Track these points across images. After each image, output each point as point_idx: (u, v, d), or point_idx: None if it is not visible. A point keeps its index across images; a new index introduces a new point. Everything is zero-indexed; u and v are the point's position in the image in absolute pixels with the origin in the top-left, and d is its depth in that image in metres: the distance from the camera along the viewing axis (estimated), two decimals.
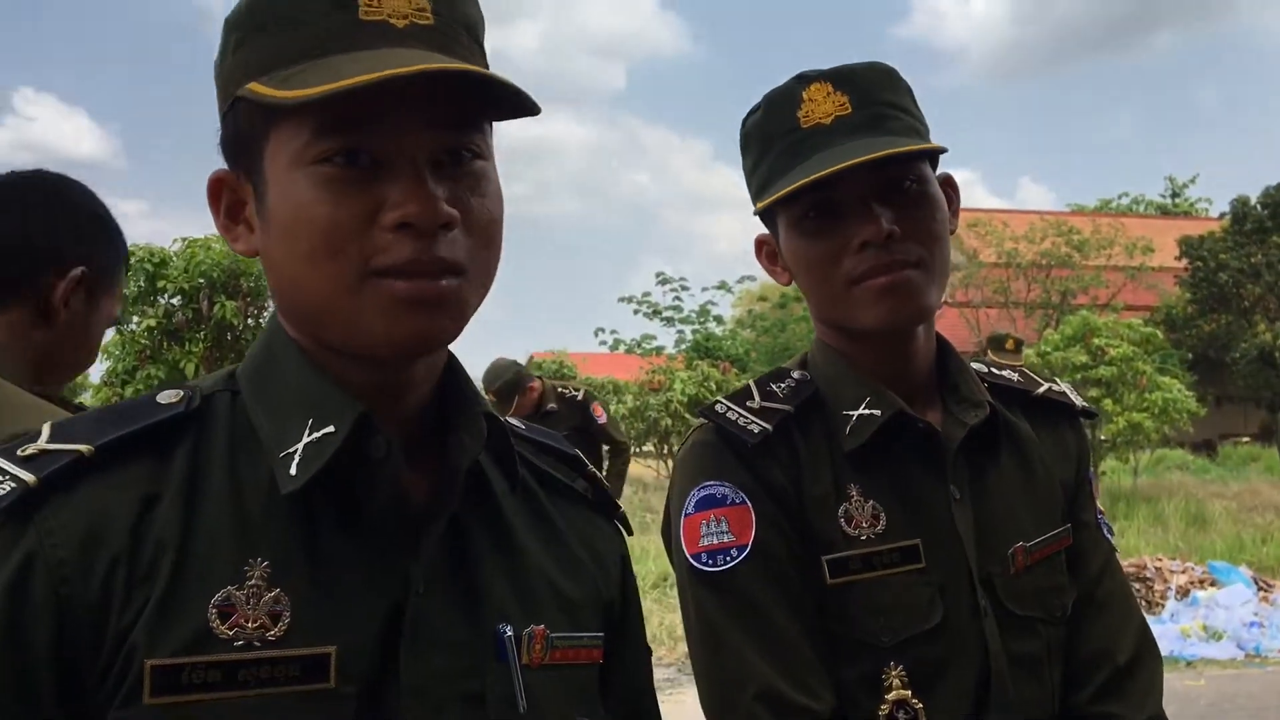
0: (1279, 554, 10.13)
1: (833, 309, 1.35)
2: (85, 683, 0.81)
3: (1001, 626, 1.33)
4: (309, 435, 0.89)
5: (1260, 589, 8.18)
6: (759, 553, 1.29)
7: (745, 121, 1.39)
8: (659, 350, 29.78)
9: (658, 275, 37.23)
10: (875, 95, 1.31)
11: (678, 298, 33.95)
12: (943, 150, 1.33)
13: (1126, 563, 7.97)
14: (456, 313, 0.89)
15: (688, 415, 14.69)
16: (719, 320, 32.55)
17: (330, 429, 0.88)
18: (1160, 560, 8.71)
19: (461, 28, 0.91)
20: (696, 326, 31.34)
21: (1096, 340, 14.04)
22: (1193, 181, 45.89)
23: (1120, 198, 45.42)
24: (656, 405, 15.58)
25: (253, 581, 0.84)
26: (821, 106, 1.30)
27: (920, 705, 1.28)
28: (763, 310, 26.36)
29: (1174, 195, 45.57)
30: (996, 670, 1.31)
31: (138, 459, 0.87)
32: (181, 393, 0.92)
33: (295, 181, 0.86)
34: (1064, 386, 1.52)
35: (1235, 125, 75.30)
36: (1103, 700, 1.38)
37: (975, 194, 73.43)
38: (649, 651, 1.15)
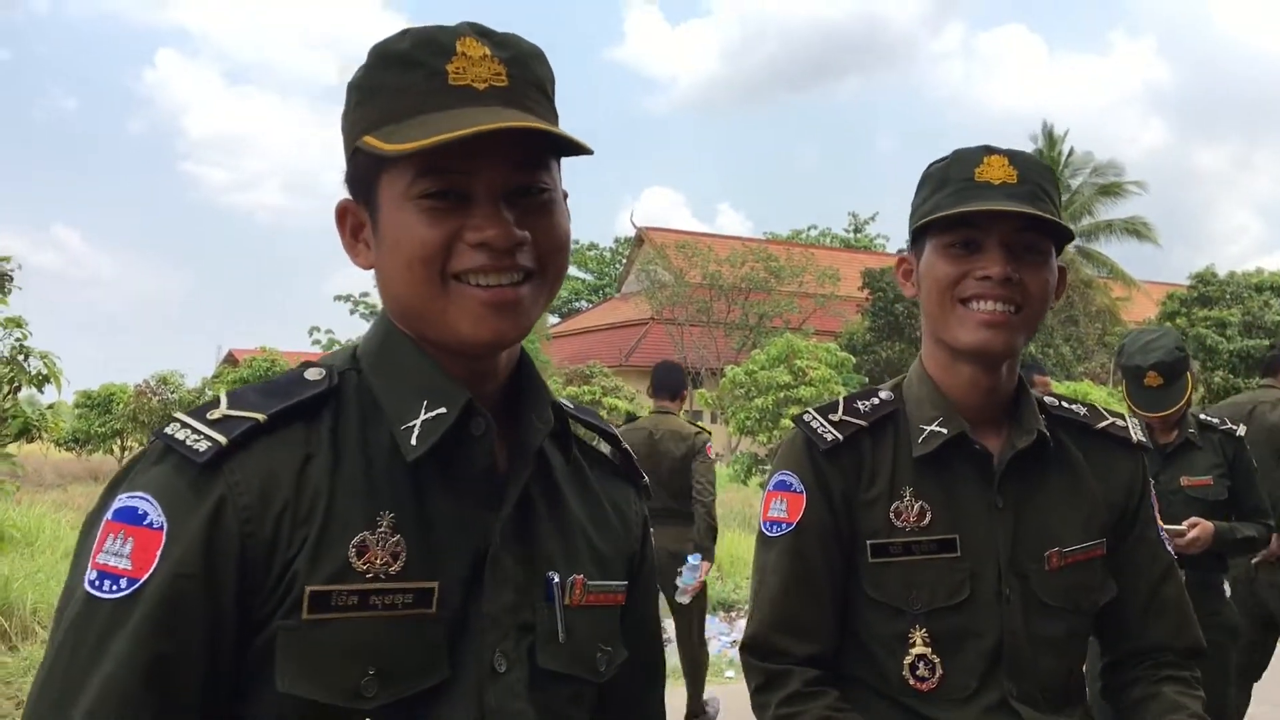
0: None
1: (941, 323, 1.63)
2: (256, 601, 1.01)
3: (1031, 612, 1.62)
4: (425, 413, 1.08)
5: None
6: (797, 534, 1.64)
7: (930, 166, 1.68)
8: None
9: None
10: (1038, 179, 1.61)
11: None
12: (1071, 238, 1.64)
13: None
14: (526, 314, 1.09)
15: None
16: None
17: (443, 410, 1.08)
18: None
19: (532, 86, 1.09)
20: None
21: (799, 362, 15.25)
22: (873, 218, 49.84)
23: (809, 229, 48.62)
24: None
25: (382, 528, 1.05)
26: (996, 171, 1.60)
27: (938, 660, 1.59)
28: None
29: (856, 230, 49.24)
30: (1010, 644, 1.60)
31: (295, 425, 1.06)
32: (323, 371, 1.12)
33: (403, 210, 1.06)
34: (1127, 423, 1.79)
35: (910, 168, 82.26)
36: (1166, 668, 1.70)
37: (680, 216, 76.58)
38: (657, 593, 1.41)
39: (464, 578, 1.08)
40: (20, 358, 8.17)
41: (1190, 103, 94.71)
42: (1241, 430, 3.89)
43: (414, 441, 1.07)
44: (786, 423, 14.14)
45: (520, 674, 1.10)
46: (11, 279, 8.56)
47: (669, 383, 6.10)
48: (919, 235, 1.67)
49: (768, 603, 1.65)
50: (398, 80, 1.06)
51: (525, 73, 1.08)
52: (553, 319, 40.31)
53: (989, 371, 1.65)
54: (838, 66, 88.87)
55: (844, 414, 1.70)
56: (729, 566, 9.76)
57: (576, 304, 45.73)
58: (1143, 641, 1.71)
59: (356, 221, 1.13)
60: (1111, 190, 32.22)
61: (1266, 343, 23.53)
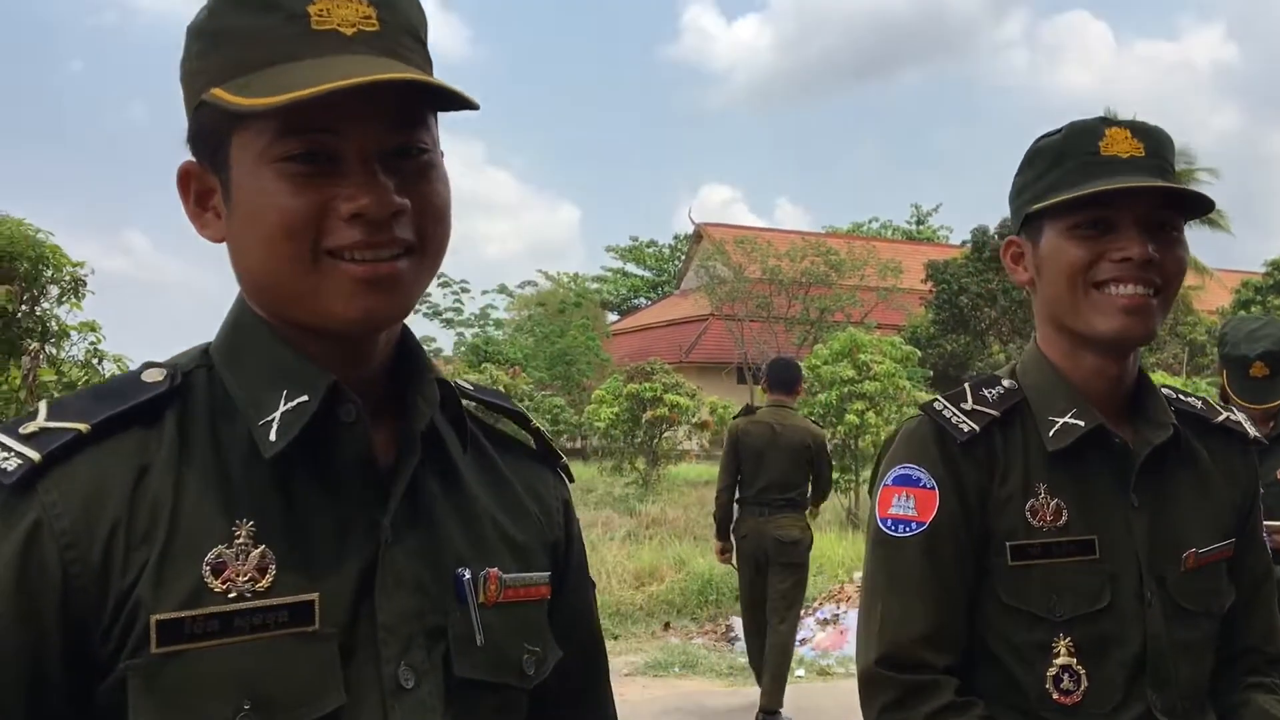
0: None
1: (1070, 309, 1.51)
2: (91, 638, 0.88)
3: (1169, 617, 1.52)
4: (285, 404, 0.96)
5: None
6: (931, 534, 1.51)
7: (1039, 141, 1.56)
8: (438, 353, 29.54)
9: (439, 276, 36.84)
10: (1164, 151, 1.50)
11: (458, 300, 33.78)
12: (1210, 210, 1.52)
13: None
14: (406, 291, 0.97)
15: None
16: (499, 324, 32.64)
17: (304, 398, 0.95)
18: None
19: (404, 32, 0.97)
20: (477, 330, 31.26)
21: (862, 356, 15.06)
22: (936, 210, 49.05)
23: (870, 222, 48.04)
24: None
25: (240, 540, 0.92)
26: (1122, 145, 1.48)
27: (1084, 670, 1.48)
28: (540, 316, 26.64)
29: (919, 222, 48.59)
30: (1154, 651, 1.50)
31: (129, 433, 0.94)
32: (164, 371, 0.99)
33: (260, 176, 0.92)
34: (1239, 417, 1.70)
35: (973, 159, 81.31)
36: (1252, 674, 1.63)
37: (736, 212, 76.33)
38: (592, 584, 1.26)
39: (353, 586, 0.96)
40: (95, 361, 8.34)
41: (1264, 85, 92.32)
42: None
43: (272, 437, 0.94)
44: (851, 418, 13.98)
45: (433, 686, 0.98)
46: (85, 284, 8.73)
47: (785, 378, 6.46)
48: (1033, 215, 1.55)
49: (903, 611, 1.51)
50: (251, 23, 0.93)
51: (396, 16, 0.96)
52: (612, 316, 40.37)
53: (1117, 360, 1.55)
54: (898, 57, 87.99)
55: (974, 403, 1.58)
56: None
57: (635, 301, 45.70)
58: (1233, 645, 1.63)
59: (203, 187, 0.99)
60: (1183, 178, 31.44)
61: None
